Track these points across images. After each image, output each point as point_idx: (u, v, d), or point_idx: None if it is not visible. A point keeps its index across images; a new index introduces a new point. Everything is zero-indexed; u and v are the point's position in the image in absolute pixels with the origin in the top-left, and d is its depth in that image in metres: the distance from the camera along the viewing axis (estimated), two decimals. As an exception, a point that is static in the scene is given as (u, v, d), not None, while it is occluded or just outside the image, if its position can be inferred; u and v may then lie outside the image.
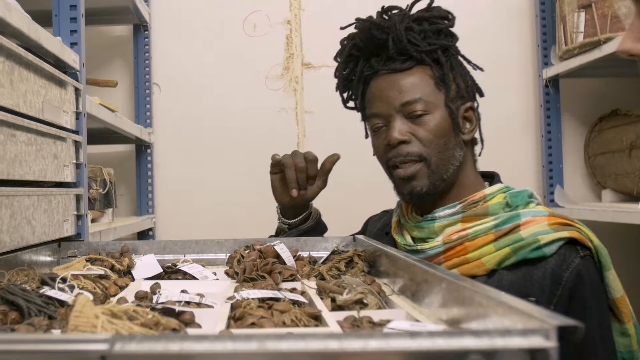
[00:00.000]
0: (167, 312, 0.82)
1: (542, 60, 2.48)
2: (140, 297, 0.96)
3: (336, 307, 0.89)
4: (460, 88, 1.36)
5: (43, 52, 1.32)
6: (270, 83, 2.58)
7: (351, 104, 1.50)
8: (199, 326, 0.80)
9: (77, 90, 1.49)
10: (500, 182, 1.41)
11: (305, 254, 1.32)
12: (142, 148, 2.55)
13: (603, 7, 2.05)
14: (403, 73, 1.34)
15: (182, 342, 0.45)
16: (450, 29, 1.39)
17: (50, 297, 0.89)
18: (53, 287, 0.94)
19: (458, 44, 1.40)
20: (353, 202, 2.51)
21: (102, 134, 2.22)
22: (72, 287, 0.97)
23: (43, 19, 1.49)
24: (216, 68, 2.58)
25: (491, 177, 1.43)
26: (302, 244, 1.36)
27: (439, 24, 1.37)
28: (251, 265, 1.12)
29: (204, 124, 2.58)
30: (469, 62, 1.43)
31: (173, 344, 0.44)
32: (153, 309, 0.82)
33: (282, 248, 1.22)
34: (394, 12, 1.40)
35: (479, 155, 1.43)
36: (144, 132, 2.42)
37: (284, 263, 1.19)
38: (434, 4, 1.41)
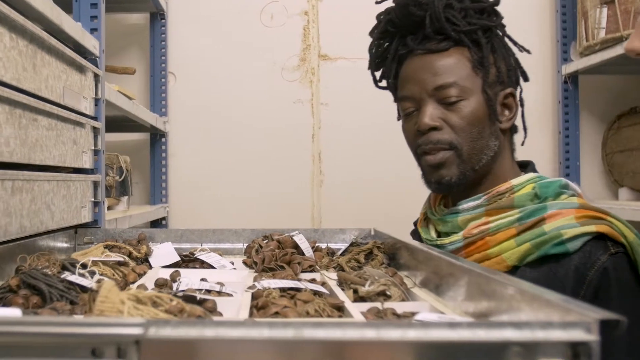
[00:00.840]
0: (189, 299, 0.81)
1: (561, 56, 2.46)
2: (160, 284, 0.95)
3: (358, 298, 0.88)
4: (501, 72, 1.26)
5: (64, 37, 1.31)
6: (286, 74, 2.57)
7: (384, 83, 1.40)
8: (221, 315, 0.79)
9: (96, 76, 1.48)
10: (535, 171, 1.30)
11: (323, 245, 1.31)
12: (157, 137, 2.55)
13: (626, 2, 2.03)
14: (439, 54, 1.25)
15: (217, 328, 0.44)
16: (495, 7, 1.29)
17: (71, 283, 0.88)
18: (74, 273, 0.94)
19: None
20: (370, 196, 2.50)
21: (117, 122, 2.22)
22: (92, 273, 0.96)
23: (63, 4, 1.48)
24: (232, 58, 2.58)
25: (526, 167, 1.32)
26: (320, 235, 1.36)
27: (481, 2, 1.27)
28: (270, 255, 1.11)
29: (219, 113, 2.57)
30: (515, 43, 1.33)
31: (208, 329, 0.44)
32: (175, 296, 0.82)
33: (300, 239, 1.21)
34: None
35: (522, 144, 1.34)
36: (159, 120, 2.42)
37: (303, 254, 1.18)
38: None
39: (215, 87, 2.58)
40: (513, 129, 1.32)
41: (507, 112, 1.28)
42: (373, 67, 1.39)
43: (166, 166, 2.56)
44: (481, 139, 1.23)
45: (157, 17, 2.55)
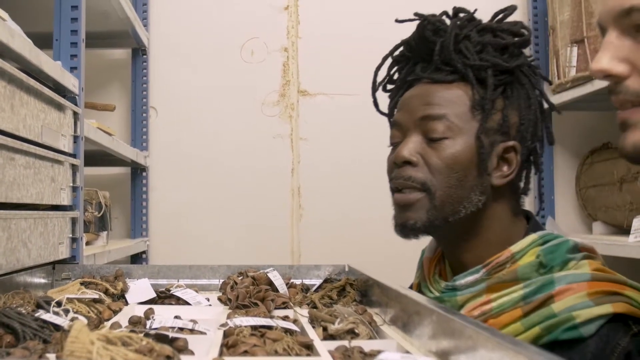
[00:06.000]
0: (161, 338, 0.83)
1: (535, 93, 2.51)
2: (134, 322, 0.97)
3: (328, 336, 0.90)
4: (507, 122, 1.10)
5: (43, 76, 1.34)
6: (266, 109, 2.60)
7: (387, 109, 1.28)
8: (192, 353, 0.81)
9: (75, 114, 1.50)
10: (540, 229, 1.13)
11: (298, 282, 1.33)
12: (138, 171, 2.56)
13: (595, 42, 2.09)
14: (440, 85, 1.12)
15: (178, 372, 0.46)
16: (522, 47, 1.15)
17: (45, 321, 0.89)
18: (48, 311, 0.95)
19: None
20: (350, 231, 2.52)
21: (98, 157, 2.23)
22: (66, 311, 0.97)
23: (44, 40, 1.51)
24: (213, 93, 2.61)
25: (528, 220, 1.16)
26: (295, 271, 1.38)
27: (504, 39, 1.13)
28: (244, 292, 1.13)
29: (200, 148, 2.60)
30: (546, 100, 1.17)
31: (169, 373, 0.45)
32: (146, 334, 0.83)
33: (275, 275, 1.23)
34: (461, 15, 1.18)
35: (537, 214, 1.16)
36: (140, 155, 2.44)
37: (277, 290, 1.20)
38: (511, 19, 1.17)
39: (196, 122, 2.61)
40: (515, 188, 1.16)
41: (505, 168, 1.12)
42: (375, 89, 1.28)
43: (147, 200, 2.57)
44: (460, 189, 1.09)
45: (139, 52, 2.58)
